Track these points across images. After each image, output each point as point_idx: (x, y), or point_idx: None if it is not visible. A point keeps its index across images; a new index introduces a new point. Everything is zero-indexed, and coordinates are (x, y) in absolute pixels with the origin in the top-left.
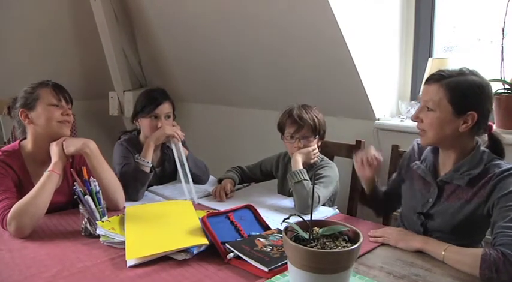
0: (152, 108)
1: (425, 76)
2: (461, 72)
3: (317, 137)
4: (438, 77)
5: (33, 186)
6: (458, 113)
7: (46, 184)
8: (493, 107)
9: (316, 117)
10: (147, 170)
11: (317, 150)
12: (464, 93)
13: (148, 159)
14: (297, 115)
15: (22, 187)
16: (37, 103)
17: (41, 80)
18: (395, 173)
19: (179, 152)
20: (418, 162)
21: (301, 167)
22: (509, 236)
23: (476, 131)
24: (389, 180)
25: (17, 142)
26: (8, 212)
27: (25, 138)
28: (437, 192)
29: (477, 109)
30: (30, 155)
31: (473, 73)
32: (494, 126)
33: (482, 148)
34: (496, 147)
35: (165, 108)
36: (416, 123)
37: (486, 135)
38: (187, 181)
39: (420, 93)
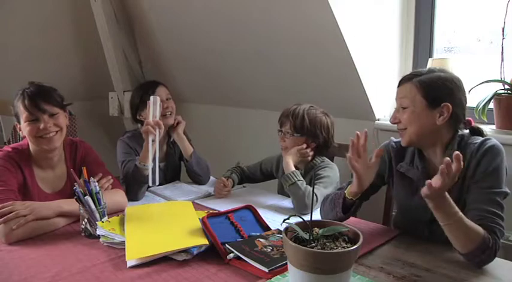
0: (150, 94)
1: None
2: (431, 70)
3: (300, 135)
4: (410, 77)
5: (37, 186)
6: (433, 106)
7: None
8: (493, 107)
9: (307, 117)
10: (146, 172)
11: (307, 149)
12: (435, 86)
13: (146, 163)
14: (287, 110)
15: (26, 187)
16: (20, 118)
17: (23, 87)
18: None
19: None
20: (403, 163)
21: (293, 168)
22: (499, 225)
23: (454, 124)
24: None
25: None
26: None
27: None
28: None
29: (451, 100)
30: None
31: (442, 70)
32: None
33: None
34: (477, 134)
35: (163, 90)
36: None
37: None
38: (154, 182)
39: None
